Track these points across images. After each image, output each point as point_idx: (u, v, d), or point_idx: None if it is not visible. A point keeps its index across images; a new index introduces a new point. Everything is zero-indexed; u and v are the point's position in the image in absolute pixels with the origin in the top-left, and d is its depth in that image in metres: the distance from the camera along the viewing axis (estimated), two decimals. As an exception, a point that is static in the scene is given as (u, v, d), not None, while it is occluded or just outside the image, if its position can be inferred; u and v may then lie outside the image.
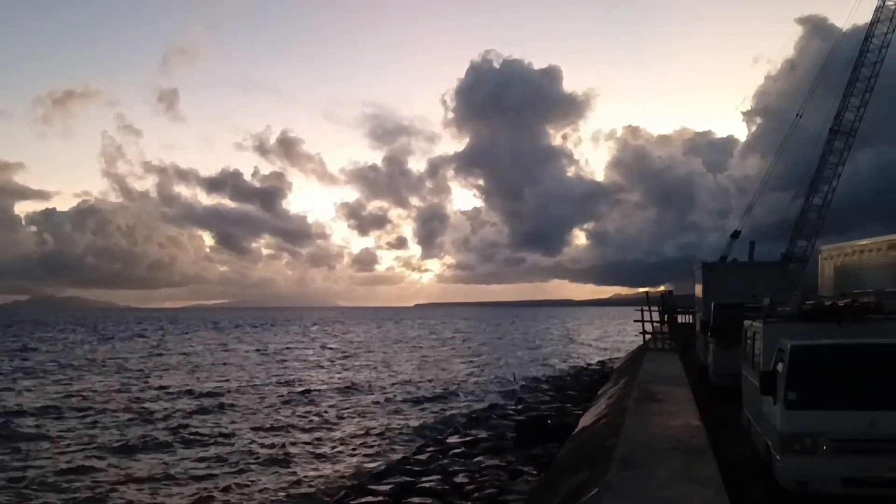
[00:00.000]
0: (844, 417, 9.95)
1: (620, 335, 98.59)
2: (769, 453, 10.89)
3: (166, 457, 21.73)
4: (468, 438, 23.28)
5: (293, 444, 23.65)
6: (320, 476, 19.50)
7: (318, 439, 24.57)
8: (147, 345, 77.52)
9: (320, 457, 21.87)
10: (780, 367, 10.92)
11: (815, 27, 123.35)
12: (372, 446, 23.54)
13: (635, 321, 39.39)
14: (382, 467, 20.07)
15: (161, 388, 37.72)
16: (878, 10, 39.33)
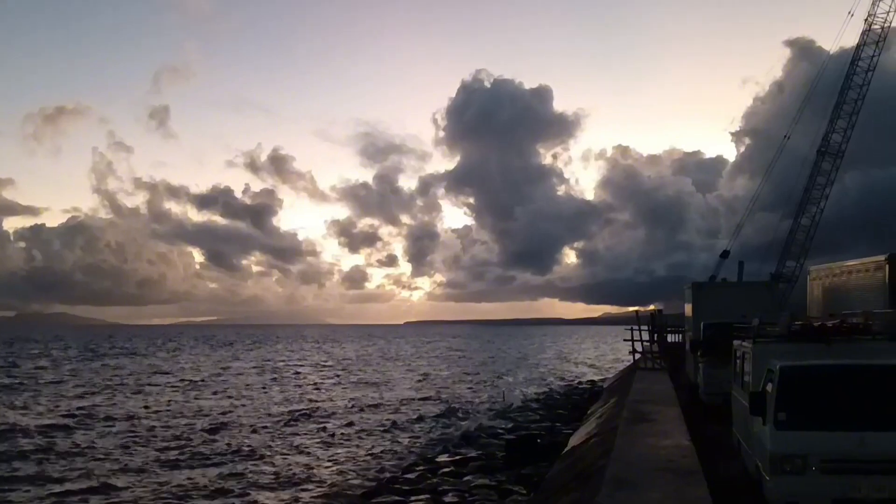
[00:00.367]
0: (834, 438, 9.97)
1: (611, 353, 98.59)
2: (759, 473, 10.90)
3: (161, 477, 21.62)
4: (458, 457, 23.20)
5: (287, 465, 23.51)
6: (310, 497, 19.38)
7: (308, 460, 24.45)
8: (144, 363, 76.91)
9: (309, 478, 21.74)
10: (769, 387, 10.96)
11: (803, 50, 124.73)
12: (361, 466, 23.43)
13: (625, 340, 39.46)
14: (372, 486, 19.97)
15: (160, 407, 37.39)
16: (865, 33, 39.82)
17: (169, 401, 39.87)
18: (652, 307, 44.57)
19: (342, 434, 29.51)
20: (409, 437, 28.81)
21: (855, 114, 40.01)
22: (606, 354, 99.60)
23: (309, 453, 25.49)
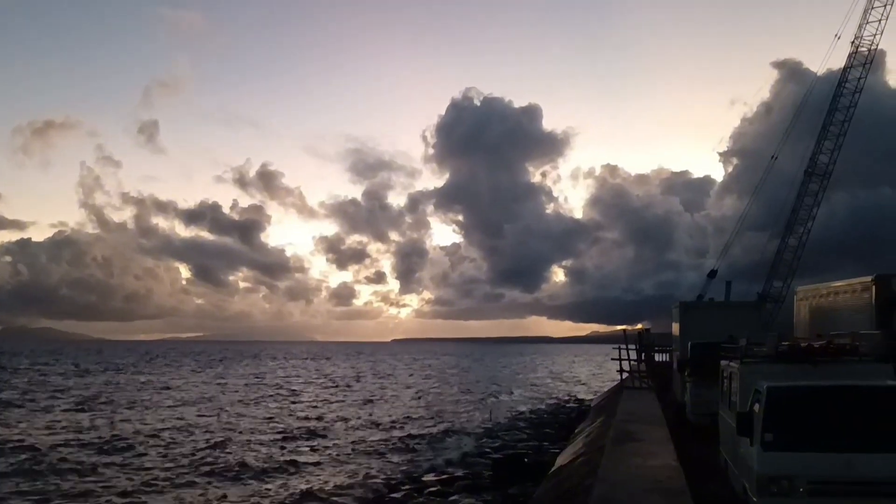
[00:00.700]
0: (821, 459, 9.94)
1: (598, 372, 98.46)
2: (746, 494, 10.86)
3: (157, 497, 21.39)
4: (444, 477, 23.04)
5: (278, 485, 23.26)
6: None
7: (297, 481, 24.19)
8: (139, 379, 76.08)
9: (298, 498, 21.50)
10: (756, 408, 10.93)
11: (791, 71, 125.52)
12: (348, 485, 23.20)
13: (613, 359, 39.38)
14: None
15: (157, 424, 36.92)
16: (852, 55, 40.16)
17: (164, 418, 39.48)
18: (640, 326, 44.59)
19: (331, 453, 29.26)
20: (397, 456, 28.59)
21: (842, 135, 40.28)
22: (594, 373, 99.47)
23: (298, 473, 25.22)
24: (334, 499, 21.13)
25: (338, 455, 28.79)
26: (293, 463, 26.72)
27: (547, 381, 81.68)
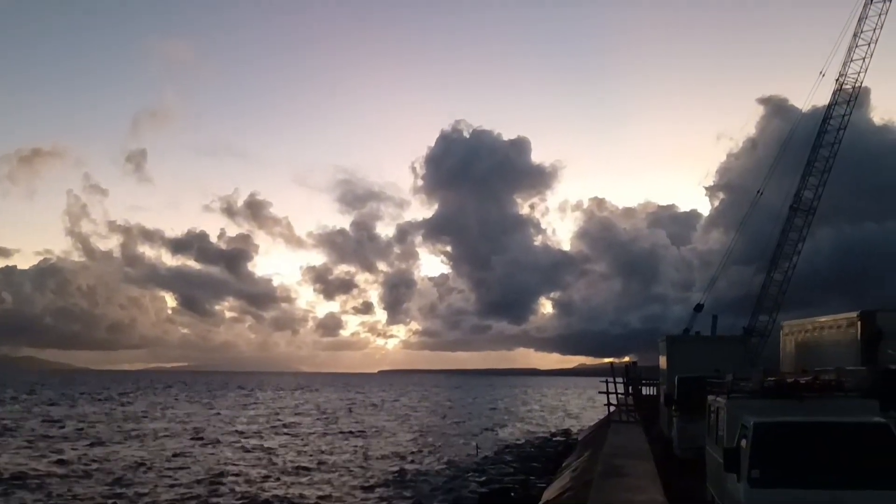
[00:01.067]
0: (808, 496, 9.92)
1: (585, 405, 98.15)
2: (733, 531, 10.81)
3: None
4: (430, 511, 22.85)
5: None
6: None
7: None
8: (130, 410, 75.26)
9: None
10: (743, 443, 10.92)
11: (776, 107, 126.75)
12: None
13: (600, 392, 39.26)
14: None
15: (154, 457, 36.52)
16: (836, 92, 40.64)
17: (161, 450, 39.04)
18: (627, 359, 44.59)
19: (320, 488, 28.98)
20: (386, 490, 28.38)
21: (826, 171, 40.64)
22: (581, 406, 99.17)
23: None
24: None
25: (329, 491, 28.51)
26: (283, 499, 26.48)
27: (534, 414, 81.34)
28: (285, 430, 53.82)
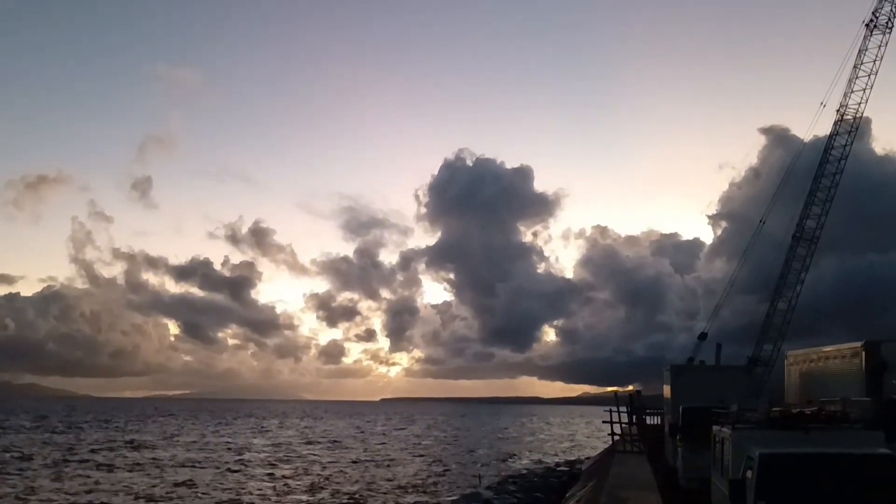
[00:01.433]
0: (813, 527, 9.93)
1: (590, 434, 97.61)
2: (740, 563, 10.79)
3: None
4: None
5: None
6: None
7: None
8: (142, 438, 74.96)
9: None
10: (749, 474, 10.94)
11: (778, 137, 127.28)
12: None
13: (604, 422, 39.13)
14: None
15: (169, 487, 36.50)
16: (837, 123, 40.73)
17: (169, 479, 38.91)
18: (631, 388, 44.45)
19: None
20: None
21: (829, 201, 40.64)
22: (585, 435, 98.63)
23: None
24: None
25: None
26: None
27: (540, 443, 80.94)
28: (297, 459, 53.72)
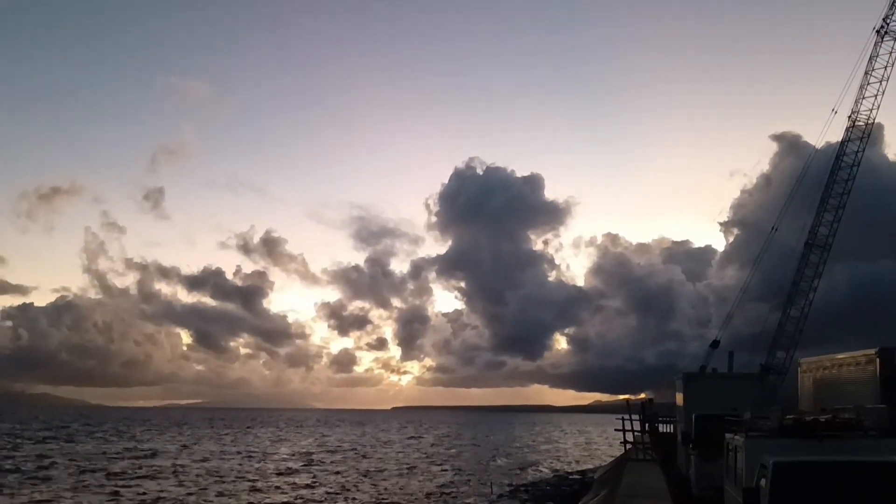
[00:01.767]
0: (828, 536, 9.89)
1: (602, 440, 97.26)
2: (754, 572, 10.74)
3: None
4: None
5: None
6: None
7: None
8: (166, 447, 75.05)
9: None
10: (763, 482, 10.90)
11: (789, 144, 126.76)
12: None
13: (616, 430, 38.97)
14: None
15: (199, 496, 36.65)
16: (849, 129, 40.62)
17: (204, 488, 39.03)
18: (643, 396, 44.24)
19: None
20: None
21: (841, 208, 40.50)
22: (597, 442, 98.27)
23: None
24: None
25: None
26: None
27: (549, 452, 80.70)
28: (316, 467, 53.86)
